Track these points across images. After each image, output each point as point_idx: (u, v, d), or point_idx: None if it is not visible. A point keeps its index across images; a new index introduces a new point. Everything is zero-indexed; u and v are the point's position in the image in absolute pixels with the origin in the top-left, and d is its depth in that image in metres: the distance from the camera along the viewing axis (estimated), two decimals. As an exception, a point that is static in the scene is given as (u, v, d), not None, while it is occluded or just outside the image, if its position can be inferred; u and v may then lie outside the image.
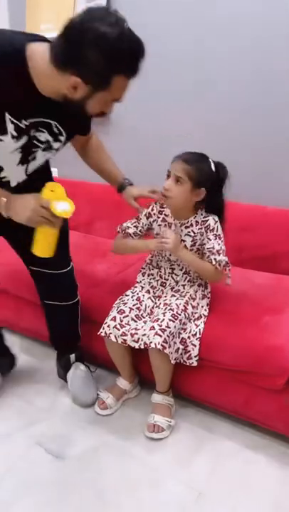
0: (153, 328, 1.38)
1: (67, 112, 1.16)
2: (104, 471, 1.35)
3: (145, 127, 2.19)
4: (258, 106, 1.86)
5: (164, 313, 1.42)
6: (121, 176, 1.54)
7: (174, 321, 1.39)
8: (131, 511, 1.22)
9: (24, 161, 1.24)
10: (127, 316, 1.46)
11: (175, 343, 1.39)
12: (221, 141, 1.89)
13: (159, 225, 1.53)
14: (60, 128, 1.22)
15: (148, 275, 1.62)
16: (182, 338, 1.43)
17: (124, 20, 1.00)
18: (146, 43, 1.08)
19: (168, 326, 1.37)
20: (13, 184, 1.28)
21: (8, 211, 1.15)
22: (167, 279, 1.58)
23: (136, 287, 1.60)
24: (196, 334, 1.45)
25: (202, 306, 1.53)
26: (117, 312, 1.46)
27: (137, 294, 1.55)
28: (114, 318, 1.45)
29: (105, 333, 1.45)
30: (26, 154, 1.23)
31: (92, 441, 1.46)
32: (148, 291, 1.58)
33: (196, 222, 1.47)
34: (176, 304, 1.45)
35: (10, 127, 1.12)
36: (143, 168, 2.20)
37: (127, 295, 1.56)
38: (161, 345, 1.34)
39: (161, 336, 1.35)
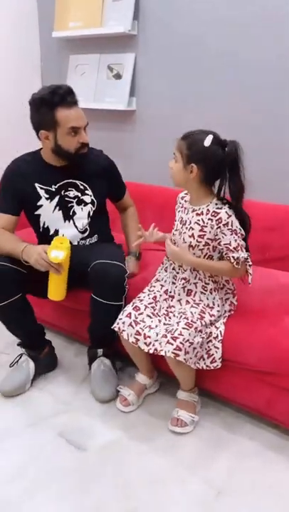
0: (165, 336, 1.37)
1: (85, 172, 1.65)
2: (125, 464, 1.36)
3: (170, 123, 2.19)
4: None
5: (178, 322, 1.39)
6: (134, 247, 1.75)
7: (188, 329, 1.36)
8: (150, 505, 1.23)
9: (67, 217, 1.66)
10: (142, 313, 1.46)
11: (195, 348, 1.37)
12: (248, 137, 1.87)
13: (179, 211, 1.52)
14: (84, 184, 1.66)
15: (166, 269, 1.58)
16: (203, 342, 1.41)
17: (55, 85, 1.52)
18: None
19: (181, 334, 1.35)
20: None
21: (24, 256, 1.47)
22: (178, 272, 1.52)
23: (154, 286, 1.58)
24: (217, 337, 1.43)
25: (225, 311, 1.51)
26: (132, 308, 1.46)
27: (154, 293, 1.54)
28: (129, 315, 1.45)
29: (119, 328, 1.45)
30: (66, 210, 1.65)
31: (113, 434, 1.47)
32: (165, 292, 1.54)
33: (208, 210, 1.40)
34: (191, 312, 1.43)
35: (41, 192, 1.63)
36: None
37: (144, 292, 1.55)
38: (173, 352, 1.33)
39: (172, 344, 1.34)
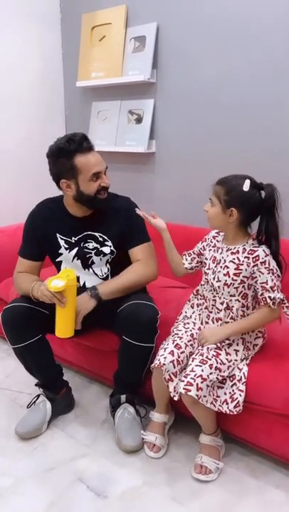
0: (182, 380, 1.36)
1: (106, 223, 1.62)
2: (146, 513, 1.31)
3: (188, 164, 2.26)
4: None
5: (193, 360, 1.40)
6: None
7: (201, 365, 1.35)
8: None
9: (86, 265, 1.66)
10: (184, 352, 1.45)
11: (208, 386, 1.34)
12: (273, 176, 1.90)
13: (210, 250, 1.53)
14: (104, 236, 1.63)
15: (196, 305, 1.59)
16: (226, 386, 1.39)
17: (69, 134, 1.53)
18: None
19: (192, 370, 1.34)
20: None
21: (33, 292, 1.52)
22: (211, 312, 1.52)
23: (188, 323, 1.56)
24: (241, 379, 1.40)
25: (249, 354, 1.48)
26: (174, 346, 1.44)
27: (190, 330, 1.52)
28: (172, 353, 1.42)
29: (160, 363, 1.41)
30: (84, 260, 1.65)
31: (133, 480, 1.43)
32: (200, 329, 1.54)
33: (244, 249, 1.42)
34: (208, 348, 1.42)
35: (61, 242, 1.65)
36: (187, 207, 2.25)
37: (179, 330, 1.53)
38: (184, 388, 1.32)
39: (183, 381, 1.33)
